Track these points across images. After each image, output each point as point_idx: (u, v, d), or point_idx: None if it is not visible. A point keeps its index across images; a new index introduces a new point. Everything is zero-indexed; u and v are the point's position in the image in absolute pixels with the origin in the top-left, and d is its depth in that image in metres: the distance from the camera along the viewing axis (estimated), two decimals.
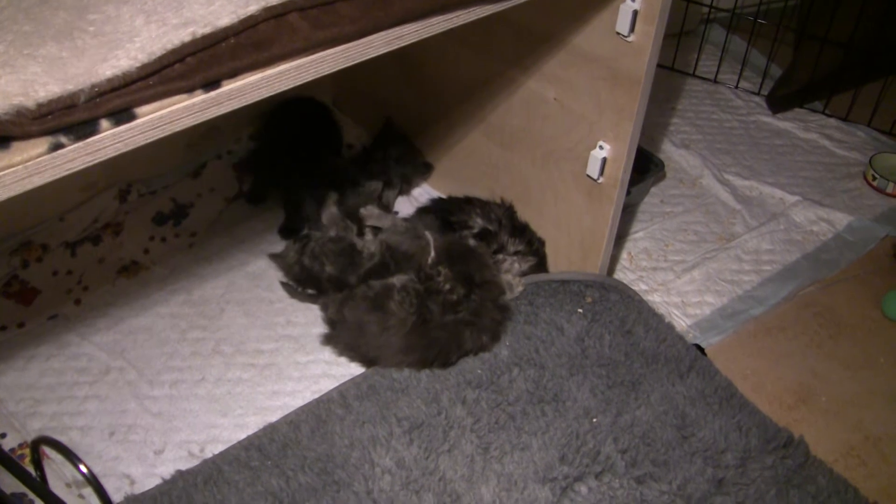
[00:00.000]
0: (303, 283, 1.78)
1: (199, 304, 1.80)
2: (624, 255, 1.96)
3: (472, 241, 1.78)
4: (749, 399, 1.57)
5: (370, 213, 1.80)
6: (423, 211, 1.93)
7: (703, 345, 1.73)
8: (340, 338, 1.68)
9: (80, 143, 0.86)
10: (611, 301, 1.73)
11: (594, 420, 1.52)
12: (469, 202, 1.88)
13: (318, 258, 1.72)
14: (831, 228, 2.04)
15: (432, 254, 1.64)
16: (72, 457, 1.28)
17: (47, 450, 1.47)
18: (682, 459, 1.46)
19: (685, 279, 1.90)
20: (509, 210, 1.85)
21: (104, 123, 0.87)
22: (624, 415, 1.53)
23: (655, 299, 1.84)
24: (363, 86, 2.17)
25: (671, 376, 1.59)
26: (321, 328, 1.73)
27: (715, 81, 2.57)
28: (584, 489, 1.42)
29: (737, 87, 2.54)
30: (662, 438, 1.49)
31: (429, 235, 1.68)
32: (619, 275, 1.91)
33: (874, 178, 2.16)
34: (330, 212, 1.78)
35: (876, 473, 1.53)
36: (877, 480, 1.51)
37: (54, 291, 1.80)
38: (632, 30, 1.40)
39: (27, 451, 1.49)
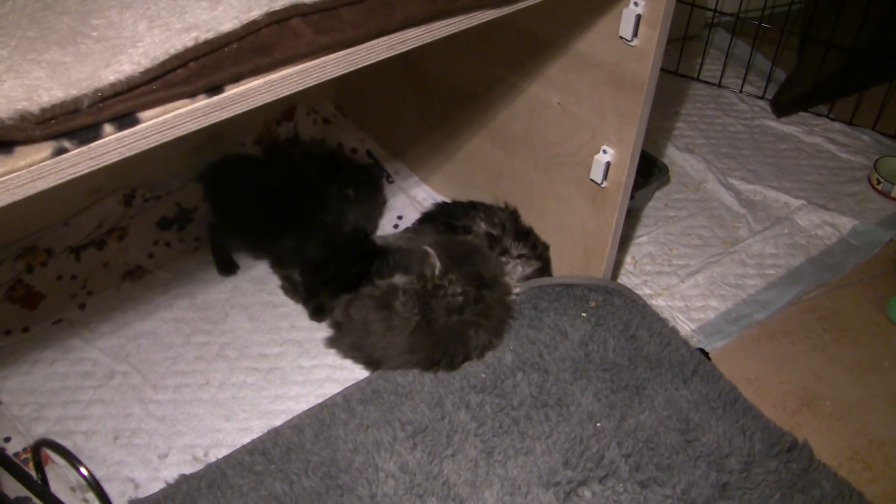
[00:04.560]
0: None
1: (204, 308, 1.80)
2: (628, 259, 1.96)
3: (469, 237, 1.79)
4: (753, 403, 1.57)
5: None
6: (426, 217, 1.93)
7: (707, 349, 1.72)
8: (345, 338, 1.69)
9: (84, 148, 0.86)
10: (614, 305, 1.72)
11: (598, 424, 1.51)
12: (473, 207, 1.88)
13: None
14: (836, 232, 2.04)
15: (438, 265, 1.63)
16: (73, 459, 1.27)
17: (51, 454, 1.47)
18: (686, 464, 1.45)
19: (689, 283, 1.90)
20: (513, 214, 1.85)
21: (107, 128, 0.87)
22: (628, 419, 1.52)
23: (659, 303, 1.84)
24: (366, 90, 2.17)
25: (675, 381, 1.58)
26: (325, 332, 1.73)
27: (719, 86, 2.57)
28: (587, 494, 1.42)
29: (741, 91, 2.54)
30: (666, 443, 1.49)
31: (429, 250, 1.66)
32: (623, 279, 1.91)
33: (879, 182, 2.16)
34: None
35: (880, 478, 1.52)
36: (881, 485, 1.51)
37: (59, 296, 1.80)
38: (635, 34, 1.40)
39: (31, 454, 1.49)
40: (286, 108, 2.19)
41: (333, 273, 1.76)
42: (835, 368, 1.73)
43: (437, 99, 1.95)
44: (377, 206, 2.04)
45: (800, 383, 1.69)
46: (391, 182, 2.13)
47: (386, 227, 2.02)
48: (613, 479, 1.43)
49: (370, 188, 2.03)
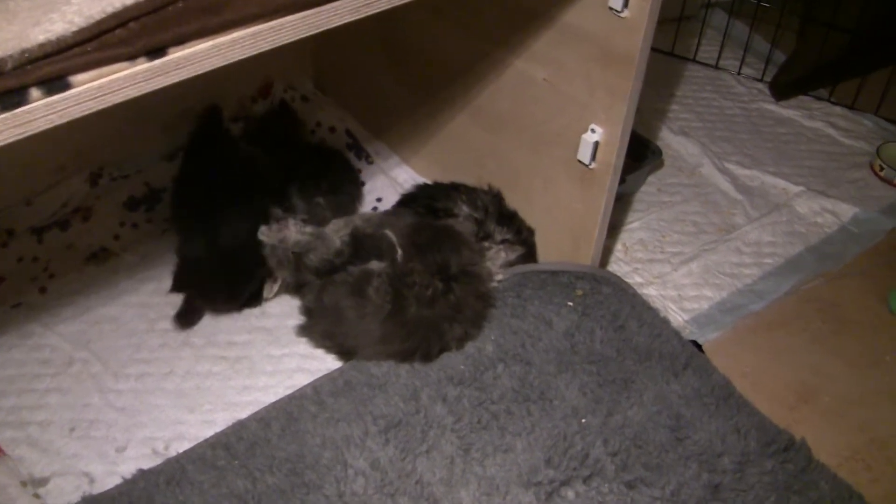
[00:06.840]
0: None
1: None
2: (618, 245, 1.92)
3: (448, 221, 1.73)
4: (748, 399, 1.52)
5: (336, 225, 1.73)
6: (405, 199, 1.88)
7: (700, 341, 1.68)
8: (317, 326, 1.63)
9: (8, 115, 0.81)
10: (603, 294, 1.67)
11: (583, 420, 1.46)
12: (455, 188, 1.83)
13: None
14: (836, 220, 2.00)
15: (399, 252, 1.57)
16: None
17: (4, 446, 1.43)
18: (676, 463, 1.40)
19: (682, 272, 1.85)
20: (497, 197, 1.80)
21: (34, 93, 0.82)
22: (615, 415, 1.47)
23: (651, 293, 1.79)
24: (346, 66, 2.11)
25: (665, 374, 1.54)
26: (297, 320, 1.67)
27: (716, 67, 2.52)
28: (570, 494, 1.37)
29: (739, 73, 2.49)
30: (655, 441, 1.44)
31: (390, 234, 1.60)
32: (613, 266, 1.86)
33: (882, 169, 2.11)
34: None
35: (881, 478, 1.48)
36: (882, 485, 1.46)
37: (19, 279, 1.74)
38: (626, 5, 1.35)
39: None
40: (262, 84, 2.14)
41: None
42: (834, 362, 1.69)
43: (419, 76, 1.91)
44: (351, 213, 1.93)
45: (797, 377, 1.65)
46: (371, 163, 2.08)
47: (365, 210, 1.97)
48: (598, 479, 1.38)
49: (347, 196, 1.95)
